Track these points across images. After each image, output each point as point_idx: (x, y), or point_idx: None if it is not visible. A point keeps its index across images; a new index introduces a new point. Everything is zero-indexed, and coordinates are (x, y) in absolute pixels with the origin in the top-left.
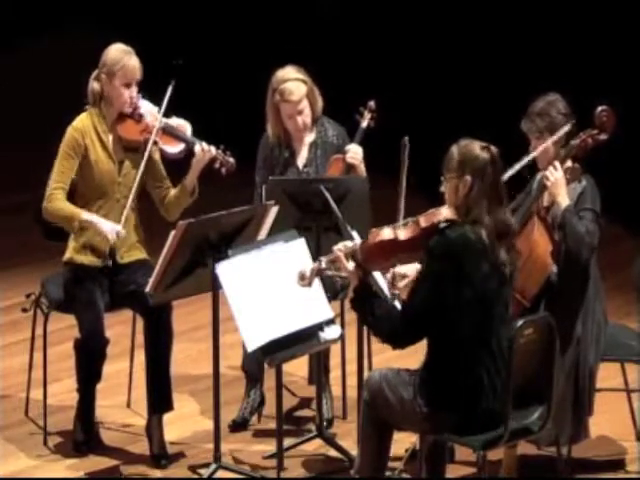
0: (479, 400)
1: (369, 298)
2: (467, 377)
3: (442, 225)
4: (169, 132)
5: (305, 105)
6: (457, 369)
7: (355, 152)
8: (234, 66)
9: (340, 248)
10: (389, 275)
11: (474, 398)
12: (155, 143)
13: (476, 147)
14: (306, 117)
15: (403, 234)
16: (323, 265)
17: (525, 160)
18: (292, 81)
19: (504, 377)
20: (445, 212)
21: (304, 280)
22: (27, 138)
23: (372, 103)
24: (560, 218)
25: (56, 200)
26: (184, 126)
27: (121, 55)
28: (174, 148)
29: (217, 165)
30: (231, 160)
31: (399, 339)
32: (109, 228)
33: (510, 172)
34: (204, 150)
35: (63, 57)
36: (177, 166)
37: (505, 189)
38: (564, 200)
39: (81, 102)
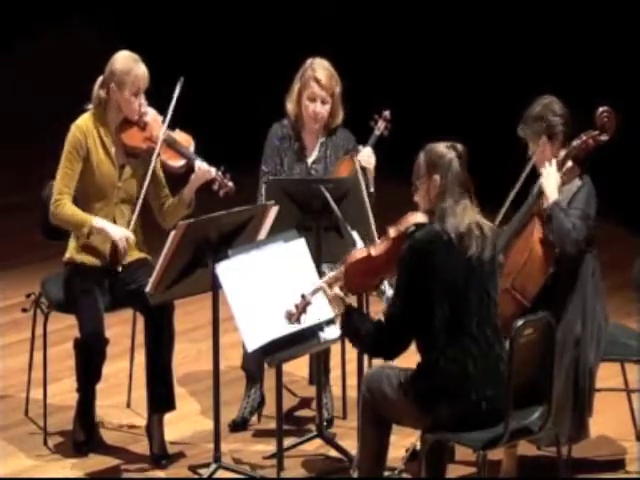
0: (468, 389)
1: (354, 321)
2: (451, 366)
3: (410, 230)
4: (172, 146)
5: (329, 100)
6: (440, 360)
7: (368, 155)
8: (241, 71)
9: (325, 279)
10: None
11: (462, 387)
12: (158, 155)
13: (440, 147)
14: (324, 110)
15: (375, 249)
16: (308, 299)
17: (527, 168)
18: (329, 70)
19: (492, 365)
20: (413, 218)
21: (292, 317)
22: (27, 138)
23: (387, 113)
24: (548, 210)
25: (64, 206)
26: (188, 141)
27: (130, 64)
28: (175, 163)
29: (215, 187)
30: (230, 184)
31: (385, 351)
32: (119, 234)
33: (518, 185)
34: (203, 170)
35: (63, 56)
36: (177, 175)
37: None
38: (553, 194)
39: (81, 101)
